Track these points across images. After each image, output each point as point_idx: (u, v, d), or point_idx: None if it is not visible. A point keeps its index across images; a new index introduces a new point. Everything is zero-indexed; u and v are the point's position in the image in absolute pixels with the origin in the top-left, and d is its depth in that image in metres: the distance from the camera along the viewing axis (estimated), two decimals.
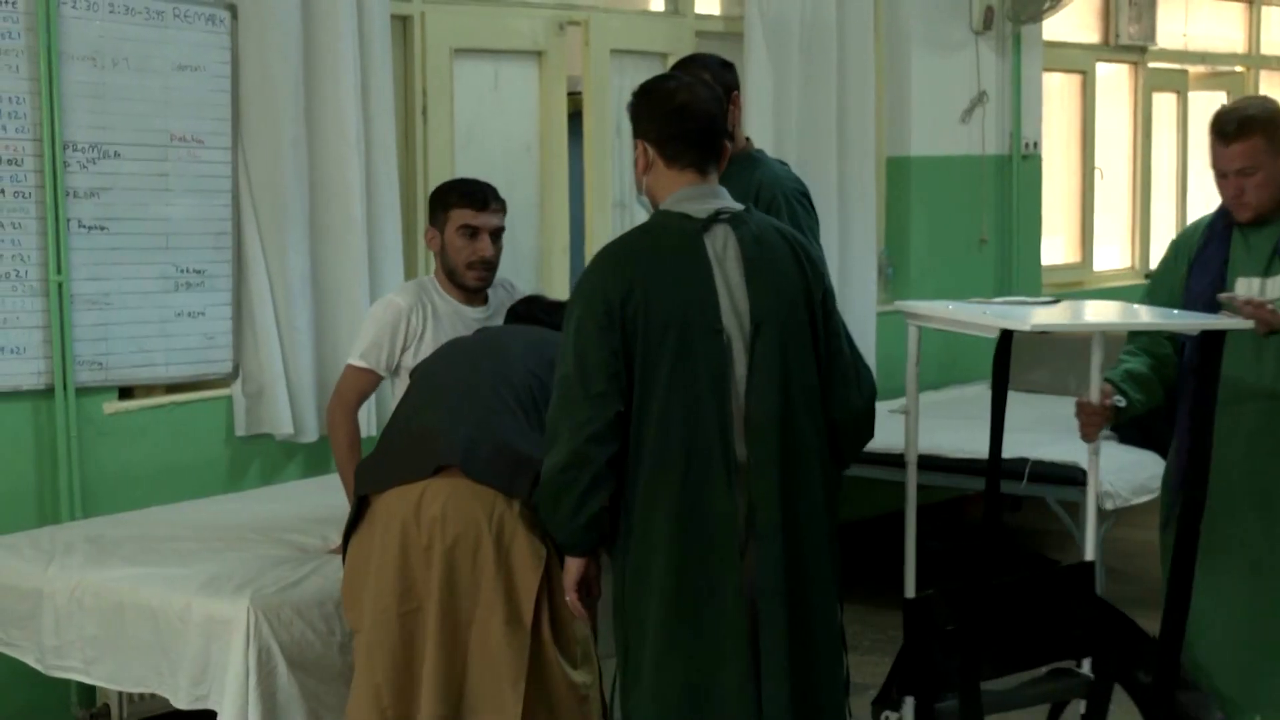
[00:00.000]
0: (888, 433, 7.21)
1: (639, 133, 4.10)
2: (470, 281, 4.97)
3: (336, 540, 4.79)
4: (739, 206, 4.10)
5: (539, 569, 4.24)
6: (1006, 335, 4.18)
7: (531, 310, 4.94)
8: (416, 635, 4.24)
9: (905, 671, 4.34)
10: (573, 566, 4.12)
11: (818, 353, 4.05)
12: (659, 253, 3.98)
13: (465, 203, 4.92)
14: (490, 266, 4.99)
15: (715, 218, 4.01)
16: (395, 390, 5.04)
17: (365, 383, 5.02)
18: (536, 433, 4.25)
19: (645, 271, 3.94)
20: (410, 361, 4.91)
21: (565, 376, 3.96)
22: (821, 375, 4.06)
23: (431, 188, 6.61)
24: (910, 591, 4.48)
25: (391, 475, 4.33)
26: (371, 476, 4.41)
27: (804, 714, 4.03)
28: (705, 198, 4.04)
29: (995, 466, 4.35)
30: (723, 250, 3.99)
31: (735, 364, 3.95)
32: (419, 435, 4.38)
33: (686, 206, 4.02)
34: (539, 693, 4.27)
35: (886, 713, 4.29)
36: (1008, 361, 4.24)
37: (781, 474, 3.97)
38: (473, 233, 4.91)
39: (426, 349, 4.90)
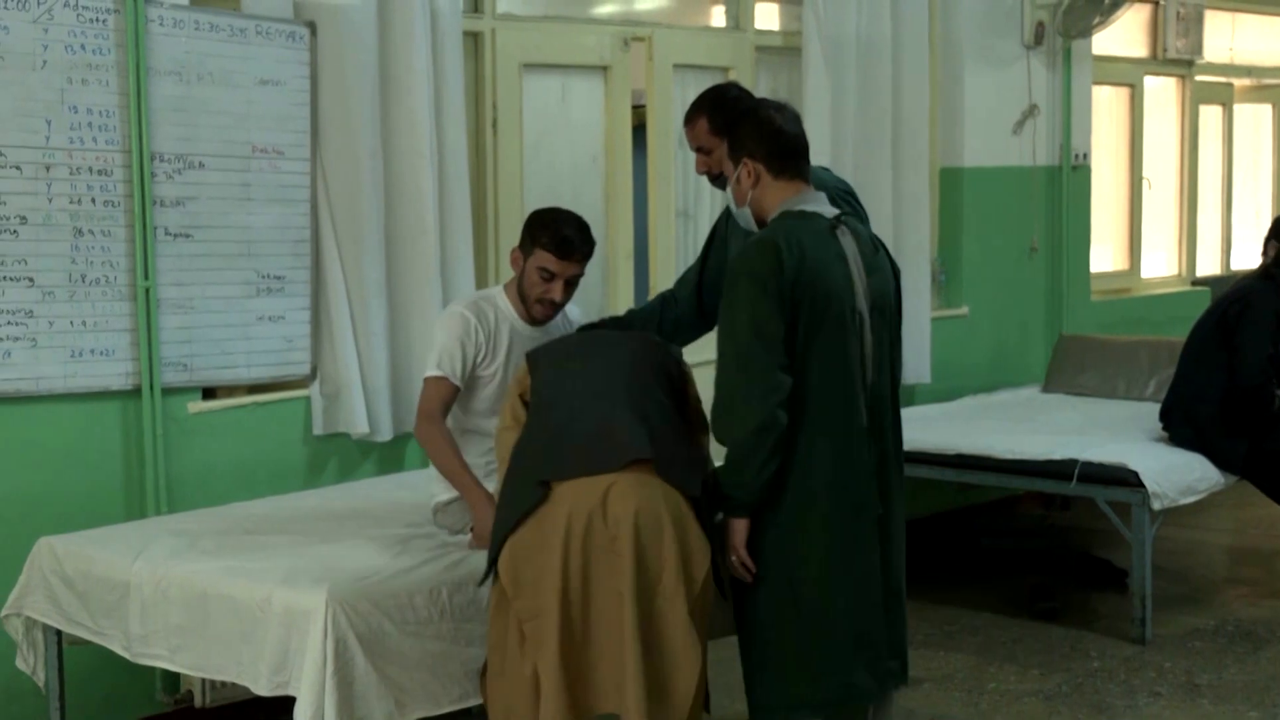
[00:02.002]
0: (939, 433, 7.38)
1: (745, 153, 4.54)
2: (535, 314, 5.06)
3: (433, 528, 5.04)
4: (838, 211, 4.57)
5: (707, 562, 4.38)
6: None
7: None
8: (590, 627, 4.28)
9: None
10: (741, 527, 4.47)
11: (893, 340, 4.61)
12: (811, 241, 4.39)
13: (551, 249, 4.96)
14: (557, 308, 5.08)
15: (839, 218, 4.48)
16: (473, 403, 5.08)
17: (446, 391, 4.98)
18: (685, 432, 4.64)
19: (808, 255, 4.36)
20: (485, 373, 5.01)
21: (746, 348, 4.33)
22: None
23: (501, 197, 6.82)
24: None
25: (578, 464, 4.36)
26: (553, 462, 4.41)
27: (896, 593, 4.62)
28: (819, 201, 4.52)
29: None
30: (849, 244, 4.45)
31: (866, 342, 4.44)
32: (601, 428, 4.43)
33: (811, 207, 4.48)
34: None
35: None
36: None
37: (894, 439, 4.55)
38: (550, 276, 4.99)
39: (498, 359, 5.02)
